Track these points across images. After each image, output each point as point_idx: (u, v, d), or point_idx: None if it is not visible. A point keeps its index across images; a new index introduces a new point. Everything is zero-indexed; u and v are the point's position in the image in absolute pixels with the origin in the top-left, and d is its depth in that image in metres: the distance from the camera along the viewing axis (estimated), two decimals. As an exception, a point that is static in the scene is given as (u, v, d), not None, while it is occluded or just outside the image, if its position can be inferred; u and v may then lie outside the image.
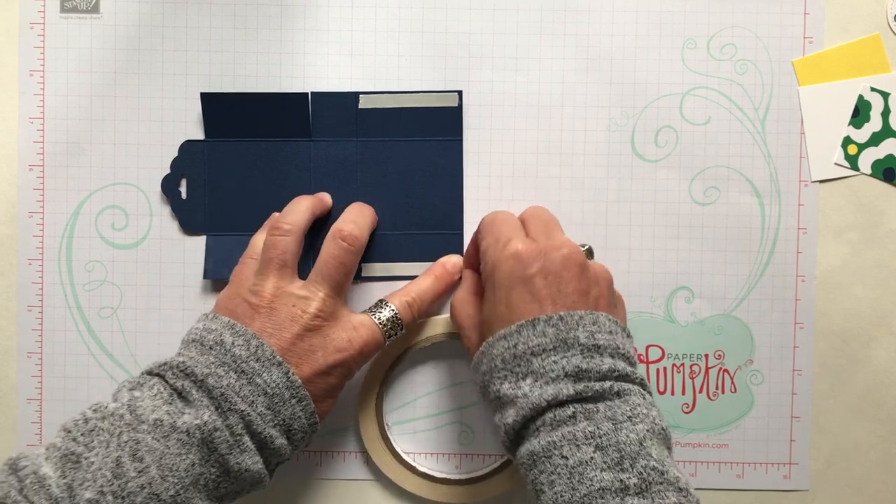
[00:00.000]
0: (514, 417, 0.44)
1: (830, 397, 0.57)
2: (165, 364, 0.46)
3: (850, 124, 0.56)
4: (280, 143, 0.56)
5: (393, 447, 0.56)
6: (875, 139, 0.56)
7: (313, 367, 0.48)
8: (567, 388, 0.43)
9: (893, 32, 0.56)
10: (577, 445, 0.42)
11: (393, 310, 0.52)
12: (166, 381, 0.45)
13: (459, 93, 0.56)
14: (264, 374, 0.46)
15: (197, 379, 0.45)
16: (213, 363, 0.46)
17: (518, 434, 0.44)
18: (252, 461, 0.45)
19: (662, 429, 0.43)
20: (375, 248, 0.56)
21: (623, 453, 0.41)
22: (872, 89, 0.56)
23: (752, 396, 0.57)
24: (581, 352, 0.44)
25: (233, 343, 0.46)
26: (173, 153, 0.56)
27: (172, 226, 0.57)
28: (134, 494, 0.42)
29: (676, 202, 0.57)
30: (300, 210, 0.52)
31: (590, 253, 0.54)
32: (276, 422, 0.46)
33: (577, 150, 0.56)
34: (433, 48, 0.56)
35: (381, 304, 0.52)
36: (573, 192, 0.56)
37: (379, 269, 0.56)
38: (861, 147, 0.56)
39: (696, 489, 0.56)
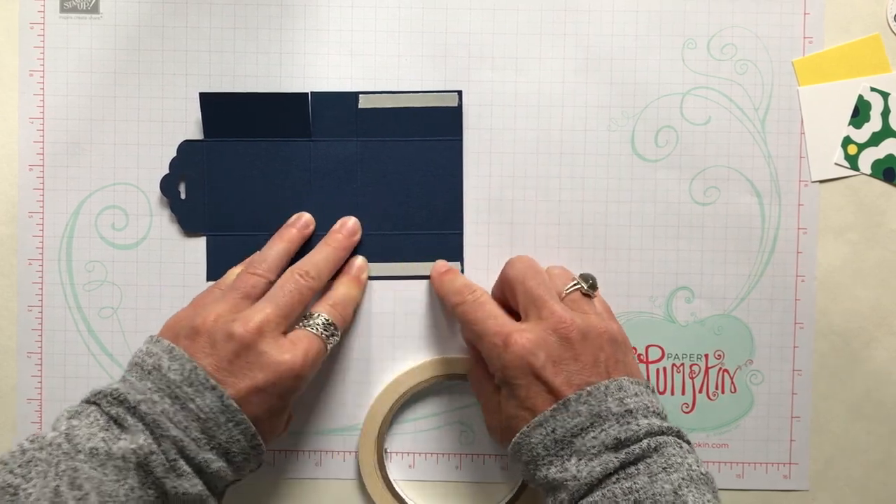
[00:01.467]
0: (567, 500, 0.45)
1: (830, 397, 0.57)
2: (101, 392, 0.46)
3: (849, 124, 0.56)
4: (280, 142, 0.56)
5: (387, 475, 0.56)
6: (875, 139, 0.56)
7: (251, 386, 0.47)
8: (612, 461, 0.44)
9: (893, 32, 0.56)
10: (617, 503, 0.43)
11: (322, 315, 0.51)
12: (102, 409, 0.45)
13: (459, 93, 0.56)
14: (197, 399, 0.45)
15: (130, 405, 0.45)
16: (149, 389, 0.46)
17: None
18: (190, 484, 0.45)
19: (702, 474, 0.44)
20: (375, 247, 0.56)
21: None
22: (872, 89, 0.56)
23: (752, 396, 0.57)
24: (616, 421, 0.45)
25: (169, 367, 0.46)
26: (173, 153, 0.56)
27: (172, 226, 0.57)
28: None
29: (676, 202, 0.57)
30: (277, 255, 0.53)
31: (590, 285, 0.51)
32: (211, 445, 0.45)
33: (576, 149, 0.56)
34: (433, 48, 0.56)
35: (308, 316, 0.51)
36: (573, 192, 0.56)
37: (379, 269, 0.56)
38: (861, 147, 0.56)
39: None
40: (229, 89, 0.56)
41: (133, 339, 0.57)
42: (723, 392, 0.57)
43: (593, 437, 0.45)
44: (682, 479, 0.43)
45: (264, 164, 0.56)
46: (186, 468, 0.45)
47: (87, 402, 0.46)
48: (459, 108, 0.56)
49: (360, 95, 0.56)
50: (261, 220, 0.56)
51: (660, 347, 0.57)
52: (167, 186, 0.56)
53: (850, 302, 0.57)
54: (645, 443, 0.44)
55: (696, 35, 0.56)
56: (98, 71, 0.56)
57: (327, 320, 0.51)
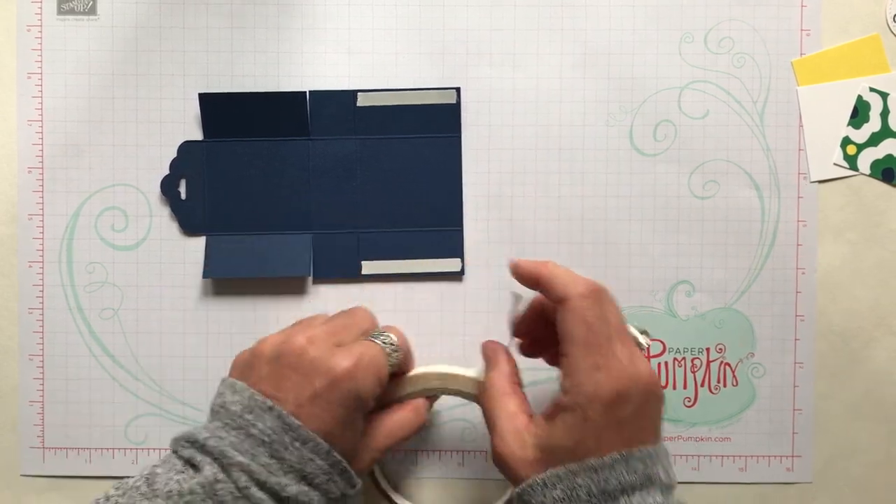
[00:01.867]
0: None
1: (830, 397, 0.57)
2: (177, 438, 0.46)
3: (849, 124, 0.56)
4: (279, 142, 0.56)
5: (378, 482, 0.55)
6: (874, 139, 0.56)
7: (307, 395, 0.45)
8: None
9: (893, 32, 0.56)
10: None
11: (388, 335, 0.50)
12: (178, 455, 0.45)
13: (457, 89, 0.56)
14: (259, 424, 0.44)
15: (199, 444, 0.44)
16: (217, 426, 0.45)
17: None
18: None
19: None
20: (374, 245, 0.56)
21: None
22: (871, 89, 0.56)
23: (754, 389, 0.57)
24: (661, 491, 0.42)
25: (231, 401, 0.45)
26: (172, 154, 0.56)
27: (172, 226, 0.57)
28: None
29: (676, 196, 0.57)
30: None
31: (644, 333, 0.48)
32: (284, 469, 0.44)
33: (575, 145, 0.56)
34: (431, 45, 0.56)
35: (376, 332, 0.50)
36: (572, 187, 0.56)
37: (378, 266, 0.56)
38: (860, 147, 0.56)
39: (699, 483, 0.56)
40: (227, 89, 0.56)
41: (134, 340, 0.57)
42: (724, 385, 0.57)
43: (639, 501, 0.42)
44: None
45: (264, 164, 0.56)
46: (260, 495, 0.43)
47: (171, 450, 0.46)
48: (458, 104, 0.56)
49: (359, 93, 0.56)
50: (261, 219, 0.56)
51: (661, 342, 0.57)
52: (167, 187, 0.56)
53: (849, 302, 0.57)
54: None
55: (694, 29, 0.56)
56: (96, 72, 0.56)
57: (390, 337, 0.49)
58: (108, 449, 0.57)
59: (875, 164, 0.56)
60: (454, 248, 0.56)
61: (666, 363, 0.57)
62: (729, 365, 0.57)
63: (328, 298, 0.57)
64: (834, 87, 0.56)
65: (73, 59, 0.56)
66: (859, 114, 0.56)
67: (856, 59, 0.56)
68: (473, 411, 0.57)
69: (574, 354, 0.44)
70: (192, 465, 0.44)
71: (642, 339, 0.47)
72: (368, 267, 0.56)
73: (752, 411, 0.57)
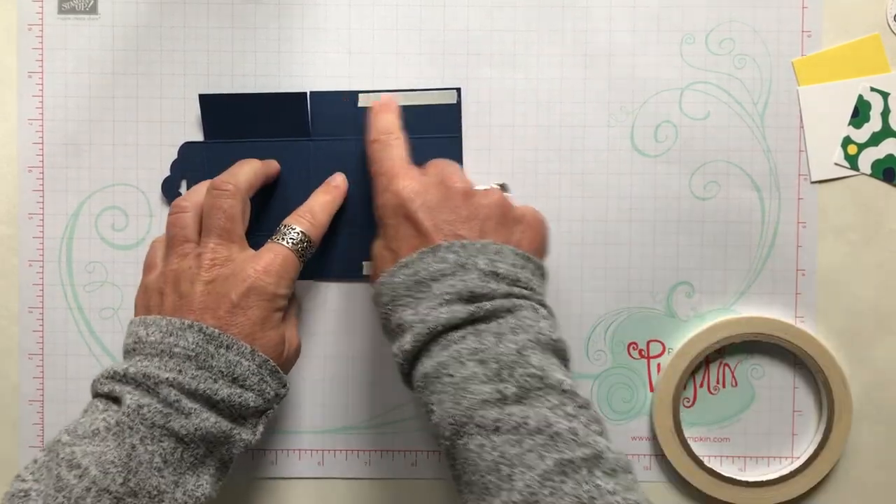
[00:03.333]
0: (411, 343, 0.44)
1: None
2: (95, 379, 0.47)
3: (849, 124, 0.56)
4: (279, 142, 0.56)
5: (684, 437, 0.56)
6: (875, 139, 0.56)
7: (227, 307, 0.47)
8: (460, 311, 0.44)
9: (893, 32, 0.56)
10: (462, 363, 0.43)
11: (294, 228, 0.51)
12: (98, 394, 0.46)
13: (458, 90, 0.56)
14: (181, 342, 0.45)
15: (119, 375, 0.45)
16: (136, 360, 0.46)
17: (415, 359, 0.45)
18: (201, 419, 0.44)
19: (552, 339, 0.44)
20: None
21: (501, 364, 0.42)
22: (872, 89, 0.56)
23: (753, 390, 0.57)
24: (478, 277, 0.45)
25: (147, 334, 0.46)
26: (172, 153, 0.56)
27: (173, 226, 0.57)
28: (82, 498, 0.42)
29: (676, 197, 0.57)
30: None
31: (502, 183, 0.53)
32: (212, 376, 0.45)
33: (576, 145, 0.56)
34: (431, 46, 0.56)
35: (281, 228, 0.51)
36: (573, 188, 0.56)
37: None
38: (861, 147, 0.56)
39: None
40: (228, 89, 0.56)
41: (134, 339, 0.57)
42: (724, 386, 0.57)
43: (451, 285, 0.44)
44: (529, 340, 0.43)
45: (264, 164, 0.56)
46: (191, 405, 0.44)
47: (92, 395, 0.47)
48: (458, 105, 0.56)
49: (360, 94, 0.56)
50: (260, 219, 0.56)
51: (661, 342, 0.57)
52: (168, 188, 0.56)
53: (850, 302, 0.57)
54: (499, 302, 0.44)
55: (695, 30, 0.56)
56: (97, 72, 0.56)
57: (300, 232, 0.51)
58: (107, 448, 0.57)
59: (876, 164, 0.56)
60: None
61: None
62: (728, 366, 0.57)
63: (329, 299, 0.57)
64: (835, 87, 0.56)
65: (73, 59, 0.56)
66: (860, 113, 0.56)
67: (856, 59, 0.56)
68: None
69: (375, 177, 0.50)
70: (115, 400, 0.45)
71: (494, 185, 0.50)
72: (370, 268, 0.56)
73: (751, 412, 0.57)
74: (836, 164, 0.57)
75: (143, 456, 0.43)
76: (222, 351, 0.46)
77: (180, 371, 0.45)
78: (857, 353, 0.57)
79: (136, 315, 0.50)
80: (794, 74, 0.56)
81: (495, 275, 0.45)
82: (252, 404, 0.46)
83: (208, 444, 0.45)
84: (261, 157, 0.56)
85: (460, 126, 0.56)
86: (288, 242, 0.50)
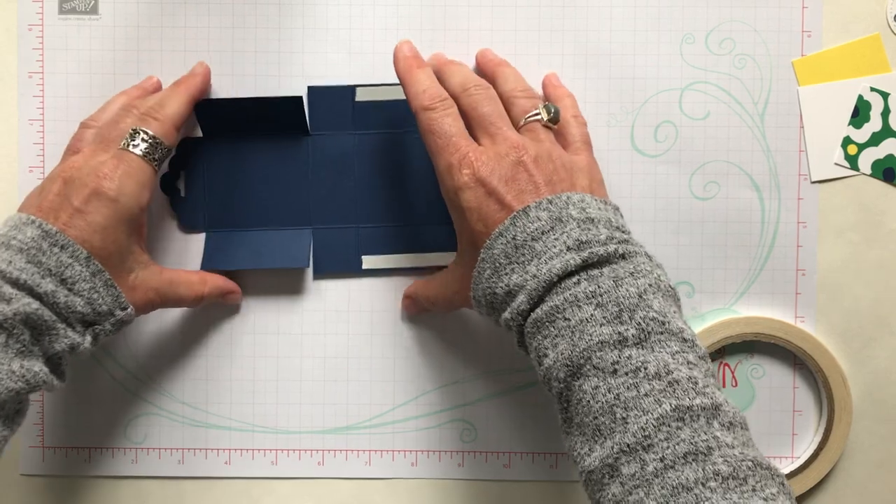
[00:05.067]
0: (527, 301, 0.44)
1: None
2: None
3: (849, 124, 0.56)
4: (278, 138, 0.56)
5: None
6: (875, 139, 0.56)
7: (69, 210, 0.47)
8: (574, 259, 0.43)
9: (893, 32, 0.56)
10: (579, 306, 0.42)
11: (141, 131, 0.50)
12: None
13: (458, 90, 0.56)
14: (19, 236, 0.46)
15: None
16: None
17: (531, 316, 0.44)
18: (21, 304, 0.44)
19: (669, 286, 0.44)
20: (374, 241, 0.56)
21: (622, 307, 0.42)
22: (872, 89, 0.56)
23: (754, 390, 0.57)
24: (578, 225, 0.44)
25: (0, 226, 0.47)
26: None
27: (172, 224, 0.57)
28: None
29: (676, 197, 0.57)
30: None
31: (551, 117, 0.50)
32: (40, 272, 0.45)
33: (576, 145, 0.56)
34: (431, 45, 0.56)
35: (129, 132, 0.50)
36: (573, 187, 0.56)
37: (379, 261, 0.56)
38: (861, 147, 0.56)
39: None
40: (228, 88, 0.56)
41: (133, 338, 0.57)
42: (724, 386, 0.57)
43: (555, 239, 0.44)
44: (649, 285, 0.43)
45: (263, 161, 0.56)
46: (11, 291, 0.44)
47: None
48: (458, 104, 0.56)
49: (358, 89, 0.56)
50: (260, 215, 0.56)
51: (661, 343, 0.57)
52: (167, 184, 0.56)
53: (850, 302, 0.57)
54: (612, 247, 0.43)
55: (695, 30, 0.56)
56: (97, 72, 0.57)
57: (148, 135, 0.50)
58: (107, 448, 0.57)
59: (876, 164, 0.56)
60: (454, 243, 0.56)
61: (666, 364, 0.57)
62: (728, 365, 0.57)
63: (328, 294, 0.57)
64: (835, 86, 0.56)
65: (74, 59, 0.56)
66: (860, 113, 0.56)
67: (856, 59, 0.56)
68: (473, 413, 0.57)
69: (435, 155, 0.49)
70: None
71: (546, 119, 0.50)
72: (369, 262, 0.56)
73: (751, 412, 0.57)
74: (836, 164, 0.57)
75: None
76: (56, 250, 0.46)
77: (10, 262, 0.45)
78: (857, 353, 0.57)
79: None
80: (794, 74, 0.56)
81: (591, 220, 0.44)
82: (80, 309, 0.46)
83: (31, 329, 0.45)
84: (258, 157, 0.56)
85: (460, 126, 0.56)
86: (135, 149, 0.49)
